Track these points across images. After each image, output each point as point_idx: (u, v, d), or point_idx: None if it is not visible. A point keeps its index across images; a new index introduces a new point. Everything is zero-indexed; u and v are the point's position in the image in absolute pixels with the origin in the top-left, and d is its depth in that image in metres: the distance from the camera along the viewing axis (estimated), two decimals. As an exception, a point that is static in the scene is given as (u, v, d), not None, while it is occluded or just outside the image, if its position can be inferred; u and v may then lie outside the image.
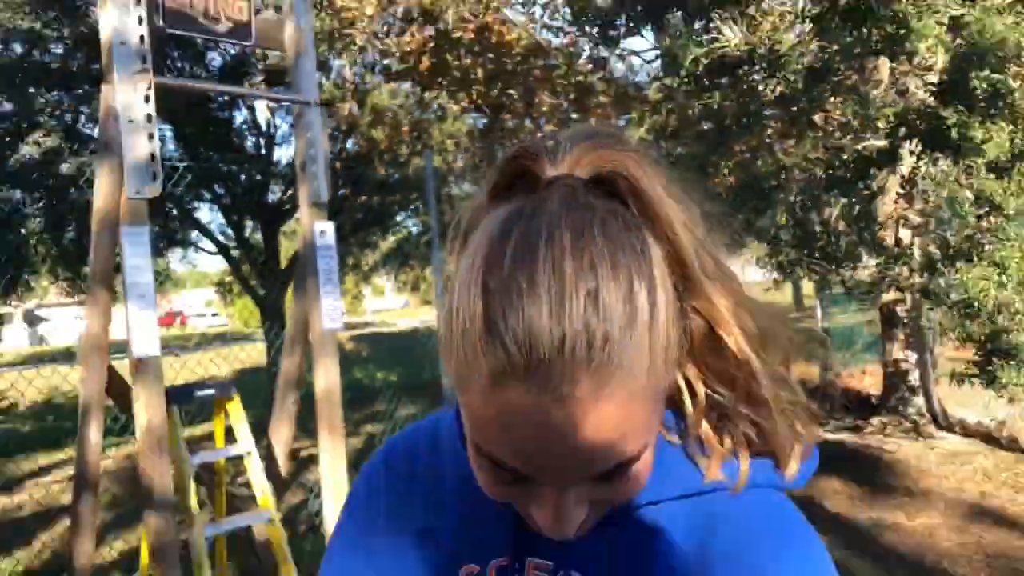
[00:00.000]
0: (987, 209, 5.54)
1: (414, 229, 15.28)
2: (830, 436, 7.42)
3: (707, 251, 0.65)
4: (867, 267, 7.06)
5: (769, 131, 7.38)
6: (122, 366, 3.61)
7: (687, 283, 0.64)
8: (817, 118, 6.74)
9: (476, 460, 0.66)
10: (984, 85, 4.95)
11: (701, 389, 0.69)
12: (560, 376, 0.56)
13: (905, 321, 7.07)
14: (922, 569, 4.54)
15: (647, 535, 0.72)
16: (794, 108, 6.37)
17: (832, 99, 6.73)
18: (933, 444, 6.82)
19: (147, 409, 3.28)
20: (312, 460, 7.13)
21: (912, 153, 5.86)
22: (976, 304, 5.32)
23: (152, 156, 3.34)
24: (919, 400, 7.49)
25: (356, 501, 0.89)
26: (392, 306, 63.70)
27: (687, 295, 0.65)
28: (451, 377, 0.64)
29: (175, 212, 11.61)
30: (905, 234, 6.49)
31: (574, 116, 10.08)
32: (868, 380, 9.33)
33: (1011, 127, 5.16)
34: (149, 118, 3.33)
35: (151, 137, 3.34)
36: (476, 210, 0.68)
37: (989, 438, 6.83)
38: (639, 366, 0.58)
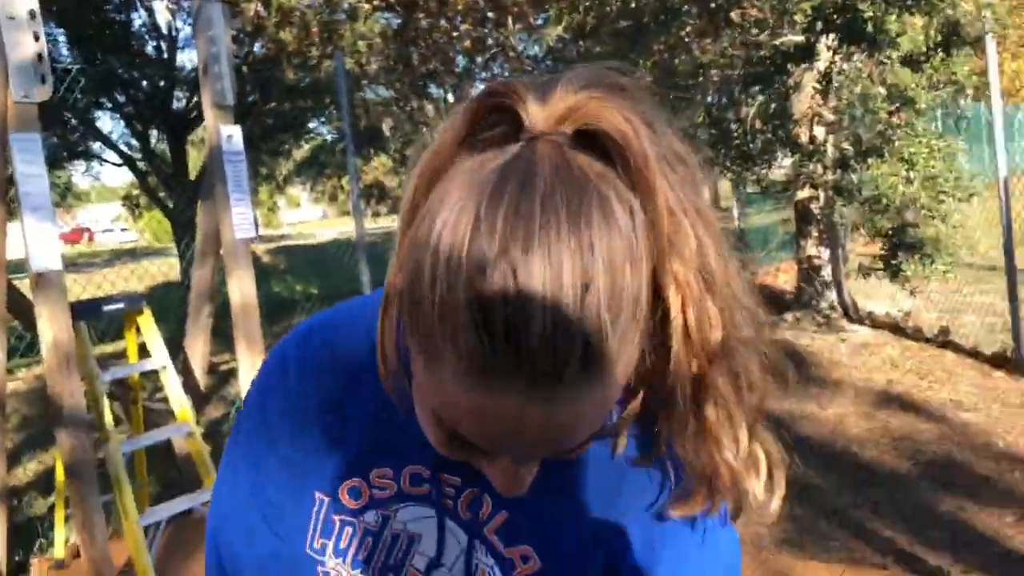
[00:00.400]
0: (898, 105, 5.63)
1: (328, 136, 14.87)
2: (746, 332, 7.62)
3: (694, 225, 0.57)
4: (782, 166, 7.17)
5: (687, 28, 7.31)
6: (25, 286, 3.45)
7: (660, 257, 0.57)
8: (734, 15, 6.69)
9: (431, 425, 0.61)
10: (900, -23, 4.97)
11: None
12: (546, 371, 0.51)
13: (818, 218, 7.22)
14: (833, 455, 4.74)
15: (564, 467, 0.70)
16: (712, 4, 6.32)
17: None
18: (844, 336, 7.07)
19: (51, 326, 3.13)
20: (233, 374, 7.03)
21: (829, 48, 5.90)
22: (885, 200, 5.46)
23: (39, 57, 3.10)
24: (831, 295, 7.73)
25: (257, 394, 0.83)
26: (309, 217, 62.55)
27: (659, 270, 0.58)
28: (413, 335, 0.58)
29: (74, 121, 11.05)
30: (820, 132, 6.57)
31: (490, 15, 9.80)
32: (783, 277, 9.58)
33: (925, 19, 5.21)
34: (32, 15, 3.09)
35: (37, 37, 3.11)
36: (442, 150, 0.59)
37: (896, 328, 7.10)
38: (624, 357, 0.55)
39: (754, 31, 6.50)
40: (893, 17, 5.09)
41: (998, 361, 5.90)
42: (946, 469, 4.37)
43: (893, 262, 5.68)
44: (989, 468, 4.31)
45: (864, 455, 4.69)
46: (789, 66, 5.95)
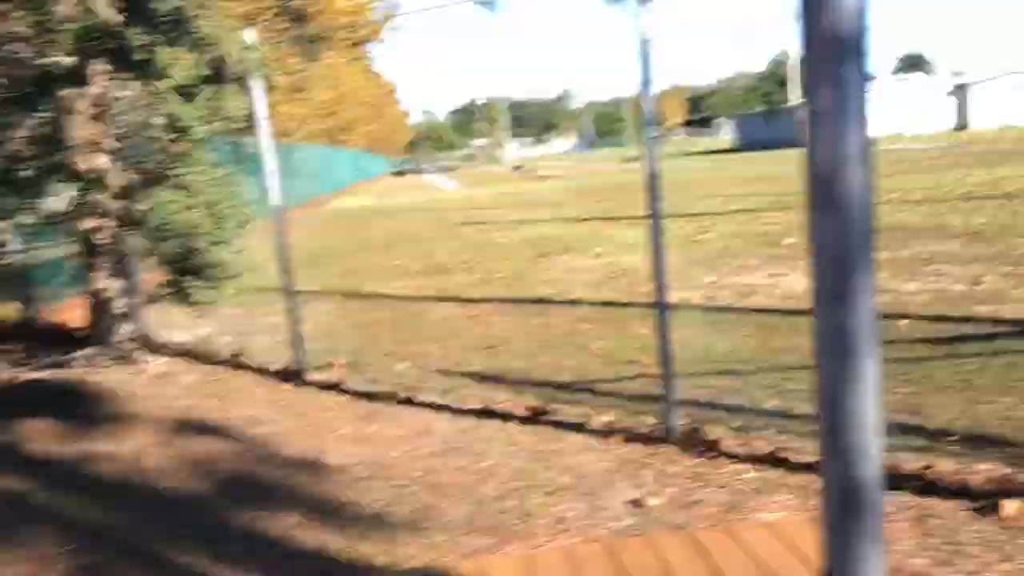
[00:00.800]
0: (177, 135, 5.73)
1: None
2: (31, 375, 6.97)
3: None
4: (64, 197, 6.74)
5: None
6: None
7: None
8: (-5, 28, 6.08)
9: None
10: (166, 8, 5.05)
11: None
12: None
13: (107, 249, 6.95)
14: (133, 490, 4.58)
15: None
16: (-35, 12, 5.63)
17: (11, 9, 6.14)
18: (142, 368, 6.93)
19: None
20: None
21: (104, 74, 5.72)
22: (170, 227, 5.50)
23: None
24: (128, 327, 7.50)
25: None
26: None
27: None
28: None
29: None
30: (104, 159, 6.33)
31: None
32: (75, 313, 9.02)
33: (196, 54, 5.38)
34: None
35: None
36: None
37: (195, 355, 7.22)
38: None
39: (18, 48, 5.98)
40: (165, 48, 5.15)
41: (286, 375, 6.39)
42: (240, 484, 4.55)
43: (182, 288, 5.75)
44: (279, 476, 4.62)
45: (166, 484, 4.63)
46: (57, 90, 5.61)
